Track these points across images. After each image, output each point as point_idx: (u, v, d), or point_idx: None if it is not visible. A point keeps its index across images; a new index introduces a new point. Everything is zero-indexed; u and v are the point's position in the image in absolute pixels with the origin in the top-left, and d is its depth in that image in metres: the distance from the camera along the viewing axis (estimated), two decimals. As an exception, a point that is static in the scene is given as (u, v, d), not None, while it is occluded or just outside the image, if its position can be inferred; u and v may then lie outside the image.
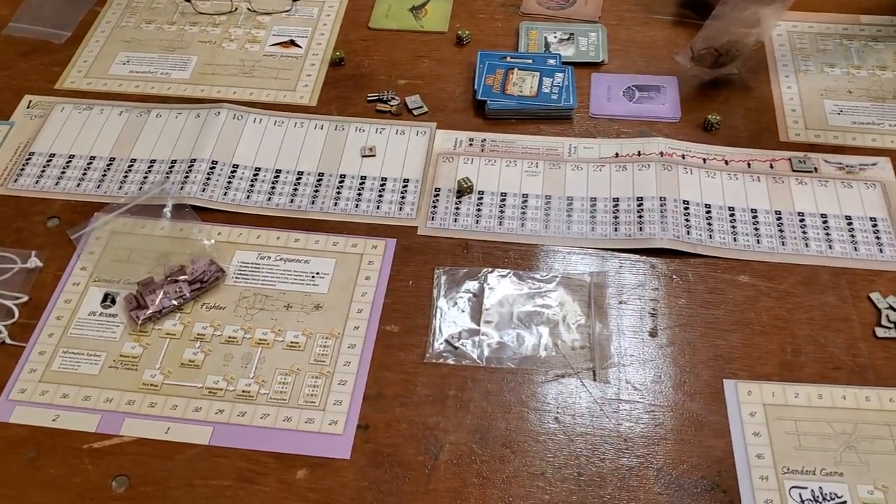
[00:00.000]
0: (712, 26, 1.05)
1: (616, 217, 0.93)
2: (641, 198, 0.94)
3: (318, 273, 0.89)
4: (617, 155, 0.99)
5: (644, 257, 0.90)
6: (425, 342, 0.83)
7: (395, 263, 0.90)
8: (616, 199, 0.95)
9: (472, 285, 0.87)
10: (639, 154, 0.99)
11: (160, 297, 0.85)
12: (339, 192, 0.96)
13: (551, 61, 1.08)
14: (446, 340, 0.83)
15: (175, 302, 0.85)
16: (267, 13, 1.18)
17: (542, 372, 0.81)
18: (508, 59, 1.08)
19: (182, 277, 0.86)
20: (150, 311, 0.84)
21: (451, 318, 0.85)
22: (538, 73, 1.06)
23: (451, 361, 0.82)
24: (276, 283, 0.88)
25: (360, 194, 0.96)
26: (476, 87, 1.05)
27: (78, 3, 1.20)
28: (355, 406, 0.79)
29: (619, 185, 0.96)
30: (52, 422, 0.78)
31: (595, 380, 0.80)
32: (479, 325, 0.84)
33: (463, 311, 0.85)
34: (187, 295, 0.85)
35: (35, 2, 1.20)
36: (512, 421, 0.78)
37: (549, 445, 0.76)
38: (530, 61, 1.08)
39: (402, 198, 0.96)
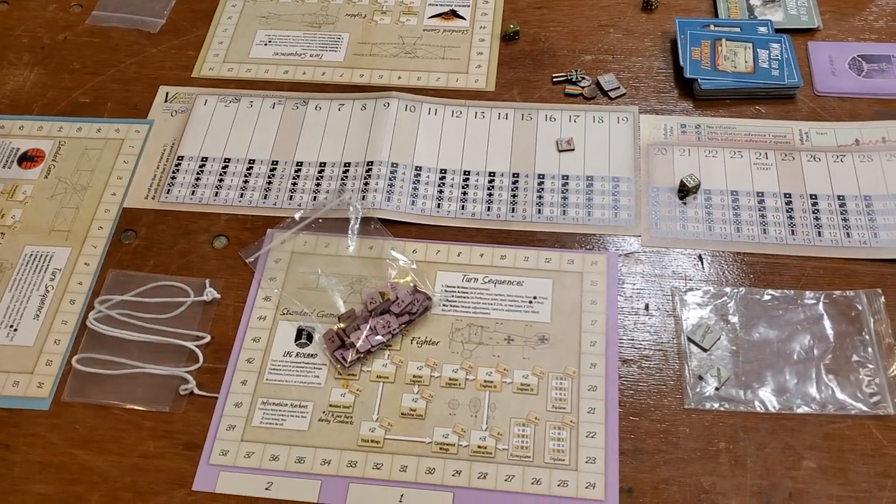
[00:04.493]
0: None
1: (872, 219, 0.80)
2: (899, 195, 0.81)
3: (535, 297, 0.77)
4: (857, 142, 0.85)
5: (914, 269, 0.77)
6: (678, 382, 0.71)
7: (622, 282, 0.77)
8: (868, 198, 0.81)
9: (719, 308, 0.75)
10: (883, 140, 0.85)
11: (365, 333, 0.73)
12: (540, 197, 0.83)
13: (762, 29, 0.93)
14: (700, 378, 0.71)
15: (384, 339, 0.73)
16: (420, -22, 1.03)
17: (823, 417, 0.69)
18: (712, 27, 0.93)
19: (391, 309, 0.74)
20: (358, 351, 0.72)
21: (702, 352, 0.73)
22: (751, 45, 0.91)
23: (714, 407, 0.70)
24: (490, 310, 0.76)
25: (564, 198, 0.83)
26: (682, 62, 0.90)
27: None
28: (612, 464, 0.67)
29: (869, 179, 0.82)
30: (265, 490, 0.67)
31: (889, 425, 0.69)
32: (738, 358, 0.72)
33: (715, 342, 0.73)
34: (396, 329, 0.74)
35: None
36: (801, 479, 0.66)
37: (851, 510, 0.65)
38: (738, 30, 0.93)
39: (616, 200, 0.83)
